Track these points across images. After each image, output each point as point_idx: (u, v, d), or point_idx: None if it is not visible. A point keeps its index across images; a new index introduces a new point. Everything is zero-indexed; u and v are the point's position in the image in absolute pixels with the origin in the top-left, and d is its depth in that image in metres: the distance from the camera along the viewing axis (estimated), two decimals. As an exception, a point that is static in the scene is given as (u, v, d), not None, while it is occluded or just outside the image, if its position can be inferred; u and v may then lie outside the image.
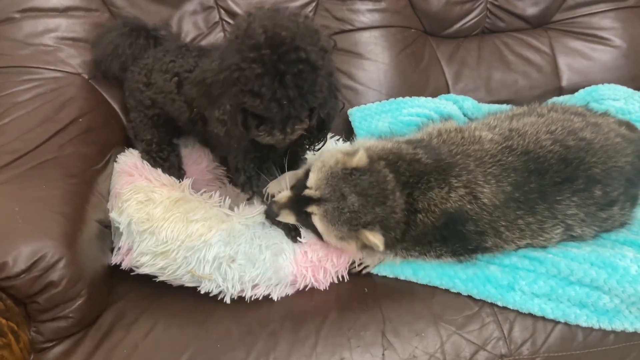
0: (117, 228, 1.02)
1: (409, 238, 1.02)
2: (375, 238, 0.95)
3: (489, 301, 1.01)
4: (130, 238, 1.00)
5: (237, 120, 0.89)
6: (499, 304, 1.00)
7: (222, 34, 1.42)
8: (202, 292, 0.99)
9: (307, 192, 0.97)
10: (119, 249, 1.03)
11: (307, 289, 1.04)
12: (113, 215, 1.02)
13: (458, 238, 1.01)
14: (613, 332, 1.00)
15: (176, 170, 1.18)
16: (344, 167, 0.97)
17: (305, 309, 1.00)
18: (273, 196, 1.03)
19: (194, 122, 1.07)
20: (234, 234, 0.98)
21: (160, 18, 1.33)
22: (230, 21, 1.41)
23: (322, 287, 1.04)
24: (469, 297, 1.02)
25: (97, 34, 1.23)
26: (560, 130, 1.10)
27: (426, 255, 1.05)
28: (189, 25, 1.38)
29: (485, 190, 1.01)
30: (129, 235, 1.00)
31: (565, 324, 1.00)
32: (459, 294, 1.02)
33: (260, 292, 1.00)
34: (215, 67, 0.89)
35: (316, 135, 1.01)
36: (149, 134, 1.15)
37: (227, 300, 0.99)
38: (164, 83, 1.10)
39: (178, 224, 0.97)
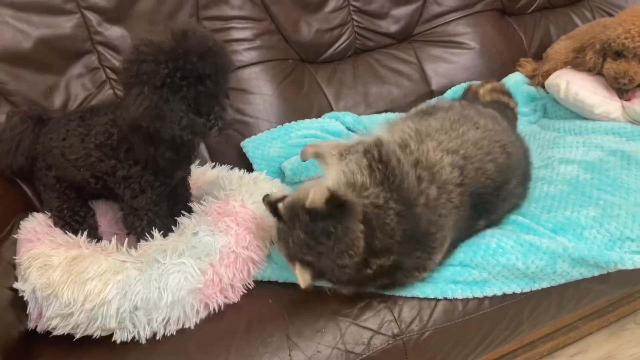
0: (18, 298, 1.06)
1: (348, 282, 1.06)
2: (302, 276, 1.00)
3: (379, 292, 1.13)
4: (38, 304, 1.05)
5: (194, 118, 1.00)
6: (387, 293, 1.12)
7: (111, 91, 1.50)
8: (117, 341, 1.04)
9: (279, 204, 1.04)
10: (29, 315, 1.07)
11: (220, 309, 1.12)
12: (17, 285, 1.07)
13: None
14: (486, 298, 1.14)
15: (94, 232, 1.23)
16: (303, 204, 0.98)
17: (217, 330, 1.09)
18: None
19: (96, 178, 1.14)
20: (130, 283, 1.03)
21: (47, 86, 1.40)
22: (117, 78, 1.50)
23: (233, 302, 1.13)
24: (361, 290, 1.14)
25: None
26: (497, 148, 1.15)
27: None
28: (77, 88, 1.46)
29: (437, 259, 1.08)
30: (35, 301, 1.05)
31: (446, 299, 1.13)
32: (351, 289, 1.14)
33: (173, 328, 1.07)
34: (142, 96, 0.96)
35: None
36: (57, 202, 1.19)
37: (143, 341, 1.05)
38: (57, 159, 1.16)
39: (76, 286, 1.01)
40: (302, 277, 1.00)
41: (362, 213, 0.98)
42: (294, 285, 1.16)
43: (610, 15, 1.99)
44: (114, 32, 1.48)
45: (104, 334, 1.05)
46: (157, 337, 1.06)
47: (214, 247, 1.12)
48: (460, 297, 1.13)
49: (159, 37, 0.97)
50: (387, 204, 0.99)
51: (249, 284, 1.16)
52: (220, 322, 1.10)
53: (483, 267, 1.13)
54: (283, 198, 1.06)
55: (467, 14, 1.86)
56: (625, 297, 1.56)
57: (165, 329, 1.07)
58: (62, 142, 1.16)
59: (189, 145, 1.06)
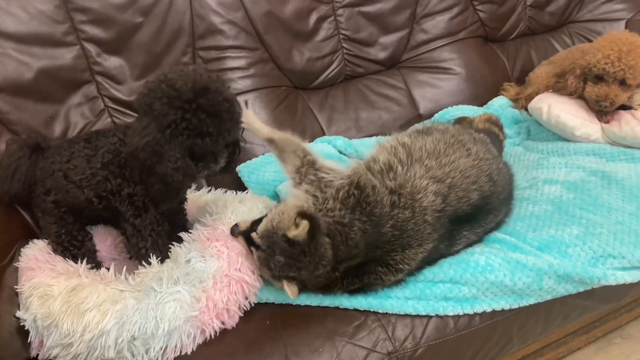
0: (24, 326, 1.07)
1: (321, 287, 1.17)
2: (290, 290, 1.12)
3: (372, 310, 1.17)
4: (39, 333, 1.06)
5: (188, 162, 1.06)
6: (380, 311, 1.16)
7: (109, 119, 1.55)
8: (117, 372, 1.06)
9: (253, 234, 1.15)
10: (31, 343, 1.08)
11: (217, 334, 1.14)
12: (19, 314, 1.09)
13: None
14: (477, 314, 1.18)
15: (92, 255, 1.24)
16: (283, 234, 1.10)
17: (218, 353, 1.11)
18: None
19: (100, 197, 1.17)
20: (128, 313, 1.04)
21: (48, 115, 1.44)
22: (115, 107, 1.55)
23: (230, 327, 1.15)
24: (356, 310, 1.17)
25: None
26: (484, 178, 1.22)
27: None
28: (77, 117, 1.50)
29: (406, 267, 1.15)
30: (37, 330, 1.07)
31: (437, 316, 1.17)
32: (347, 309, 1.17)
33: (171, 356, 1.08)
34: (148, 130, 1.02)
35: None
36: (55, 227, 1.21)
37: (143, 372, 1.07)
38: (58, 181, 1.19)
39: (75, 316, 1.03)
40: (290, 291, 1.12)
41: (326, 228, 1.11)
42: (291, 306, 1.21)
43: (589, 40, 2.08)
44: (113, 63, 1.53)
45: (106, 363, 1.08)
46: (157, 364, 1.08)
47: (207, 272, 1.13)
48: (451, 313, 1.18)
49: (185, 81, 1.02)
50: (351, 223, 1.12)
51: (244, 305, 1.18)
52: (220, 345, 1.13)
53: (472, 284, 1.18)
54: (253, 226, 1.17)
55: (451, 41, 1.93)
56: (611, 313, 1.61)
57: (163, 357, 1.08)
58: (65, 164, 1.19)
59: (178, 184, 1.11)
